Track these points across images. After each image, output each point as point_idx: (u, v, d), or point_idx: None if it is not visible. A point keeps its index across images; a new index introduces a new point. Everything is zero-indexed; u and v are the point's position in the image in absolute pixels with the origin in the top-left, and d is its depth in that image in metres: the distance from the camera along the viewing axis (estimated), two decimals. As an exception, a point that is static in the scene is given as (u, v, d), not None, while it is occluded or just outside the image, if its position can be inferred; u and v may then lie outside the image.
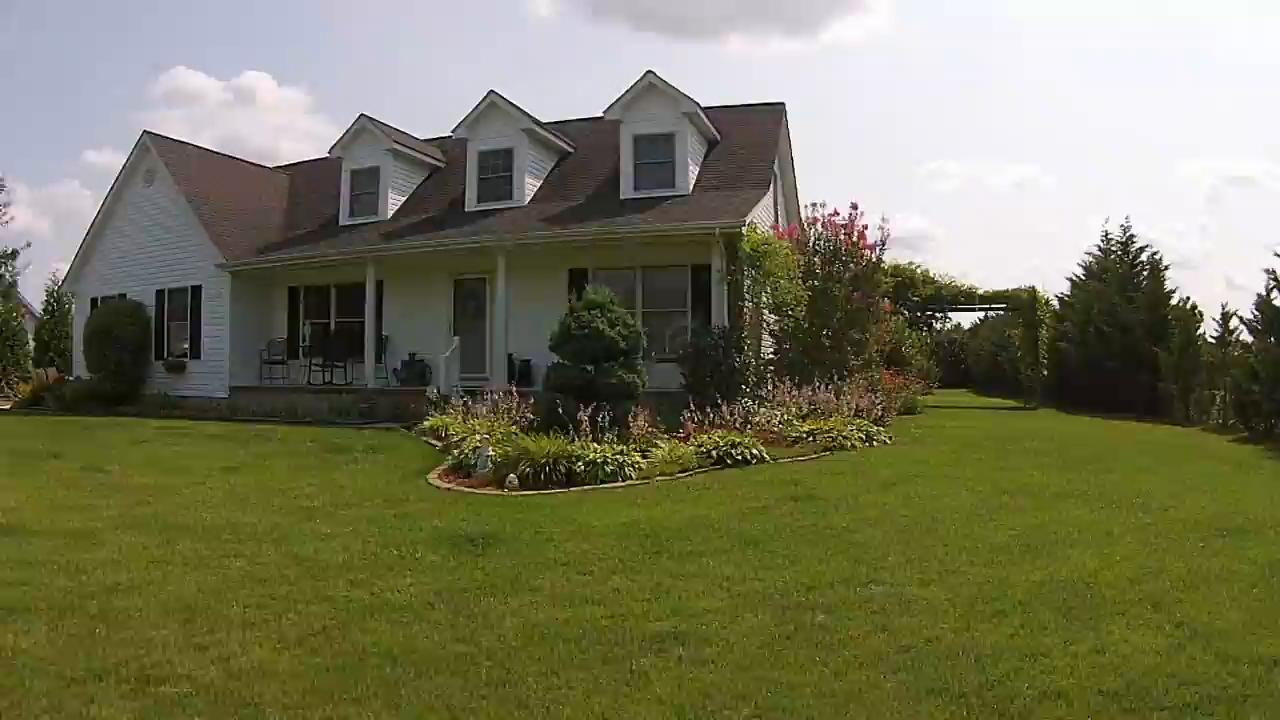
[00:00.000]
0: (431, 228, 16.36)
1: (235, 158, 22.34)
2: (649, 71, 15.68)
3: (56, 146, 67.21)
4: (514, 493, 8.39)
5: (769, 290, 13.44)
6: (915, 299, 21.73)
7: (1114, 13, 56.26)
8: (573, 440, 9.08)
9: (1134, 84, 58.71)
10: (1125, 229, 22.52)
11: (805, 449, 10.25)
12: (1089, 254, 23.71)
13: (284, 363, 18.23)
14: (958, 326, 41.62)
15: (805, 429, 10.83)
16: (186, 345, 19.05)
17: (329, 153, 19.12)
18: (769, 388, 12.25)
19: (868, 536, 6.24)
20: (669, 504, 7.57)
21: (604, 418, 9.38)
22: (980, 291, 22.64)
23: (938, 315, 24.05)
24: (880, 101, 67.56)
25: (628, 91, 15.81)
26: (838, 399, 12.13)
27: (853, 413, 12.09)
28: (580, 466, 8.70)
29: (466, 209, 16.97)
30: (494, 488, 8.65)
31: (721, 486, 8.27)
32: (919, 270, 22.32)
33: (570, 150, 17.93)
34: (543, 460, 8.72)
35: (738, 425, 10.57)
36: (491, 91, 16.91)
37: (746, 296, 13.43)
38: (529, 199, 16.62)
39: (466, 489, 8.65)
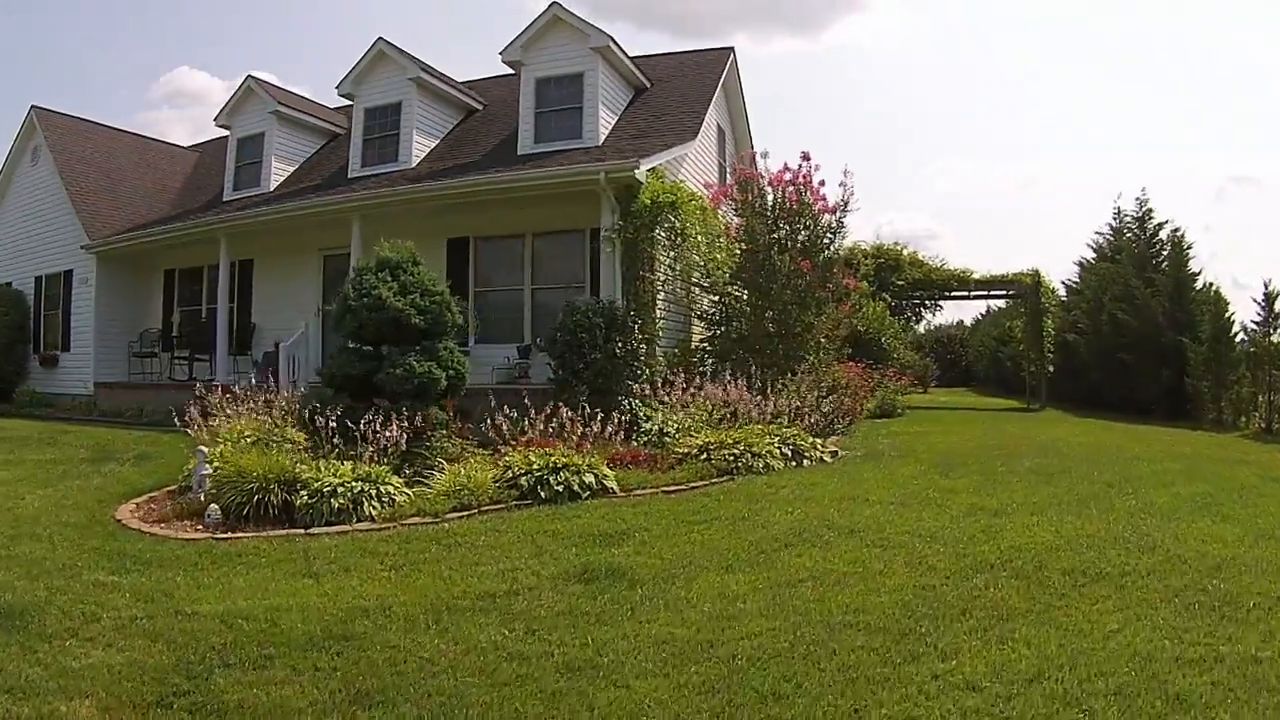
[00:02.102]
0: (309, 197, 12.89)
1: (140, 135, 19.13)
2: (554, 3, 12.07)
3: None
4: (202, 534, 5.16)
5: (692, 257, 9.78)
6: (900, 283, 17.77)
7: (1118, 12, 51.63)
8: (296, 457, 5.58)
9: (1139, 82, 54.00)
10: (1141, 202, 18.50)
11: (688, 472, 6.59)
12: (1099, 233, 19.75)
13: (156, 355, 14.91)
14: (960, 324, 37.57)
15: (700, 442, 7.14)
16: (59, 337, 15.87)
17: (214, 120, 15.80)
18: (670, 383, 8.54)
19: (634, 704, 2.59)
20: (373, 576, 4.05)
21: (367, 426, 5.84)
22: (976, 276, 18.66)
23: (928, 303, 20.08)
24: (885, 100, 63.34)
25: (529, 28, 12.23)
26: (766, 398, 8.43)
27: (792, 417, 8.40)
28: (305, 497, 5.23)
29: (350, 174, 13.49)
30: (191, 522, 5.41)
31: (490, 542, 4.68)
32: (905, 252, 18.40)
33: (478, 107, 14.38)
34: (252, 486, 5.27)
35: (604, 436, 6.91)
36: (380, 39, 13.43)
37: (661, 263, 9.78)
38: (418, 160, 13.08)
39: (137, 525, 5.35)
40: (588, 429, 6.81)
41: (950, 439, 10.58)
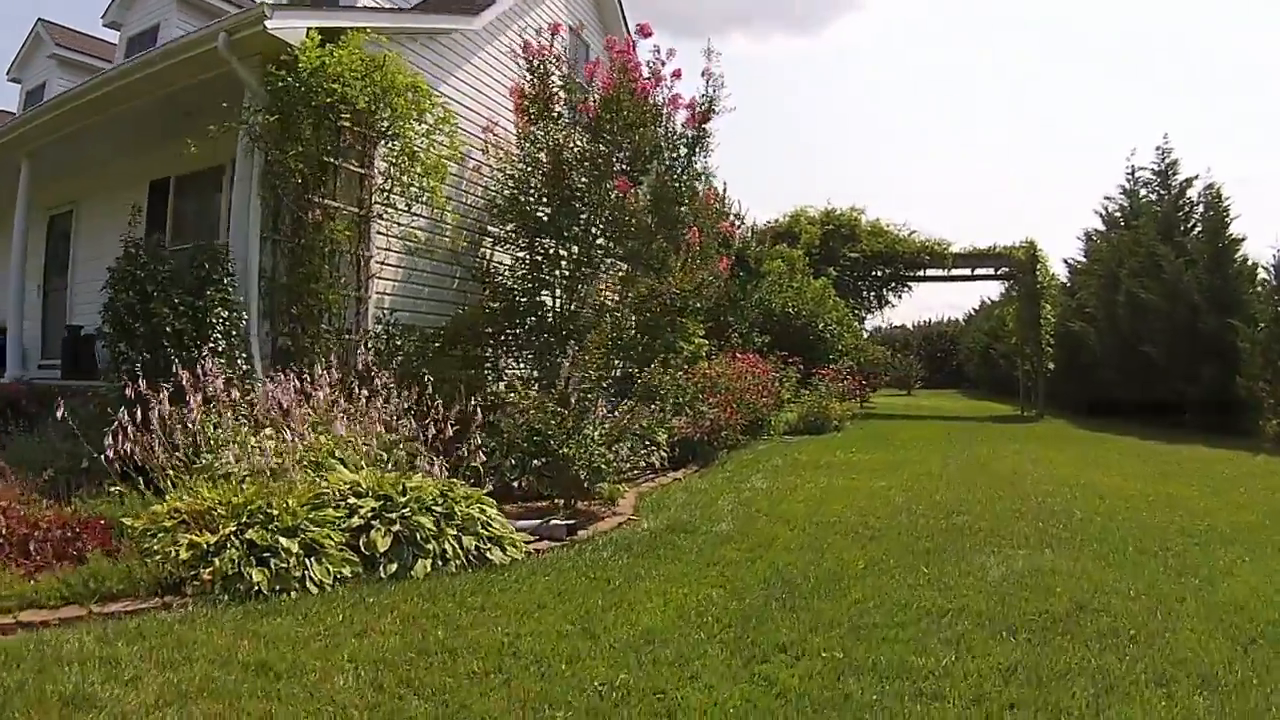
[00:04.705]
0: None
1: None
2: None
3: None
4: None
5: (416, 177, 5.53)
6: (854, 255, 13.04)
7: (1116, 13, 45.86)
8: None
9: (1137, 82, 47.97)
10: (1164, 152, 13.56)
11: (88, 578, 2.36)
12: (1109, 198, 14.84)
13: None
14: (956, 323, 32.30)
15: (166, 509, 2.85)
16: None
17: (6, 75, 12.13)
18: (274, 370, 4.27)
19: None
20: None
21: None
22: (955, 249, 13.88)
23: (893, 284, 15.15)
24: (886, 99, 58.15)
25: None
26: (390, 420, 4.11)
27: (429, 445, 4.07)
28: None
29: (102, 117, 9.59)
30: None
31: None
32: (863, 219, 13.67)
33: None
34: None
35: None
36: (148, -50, 9.57)
37: (377, 186, 5.55)
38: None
39: None
40: None
41: (872, 483, 5.99)
